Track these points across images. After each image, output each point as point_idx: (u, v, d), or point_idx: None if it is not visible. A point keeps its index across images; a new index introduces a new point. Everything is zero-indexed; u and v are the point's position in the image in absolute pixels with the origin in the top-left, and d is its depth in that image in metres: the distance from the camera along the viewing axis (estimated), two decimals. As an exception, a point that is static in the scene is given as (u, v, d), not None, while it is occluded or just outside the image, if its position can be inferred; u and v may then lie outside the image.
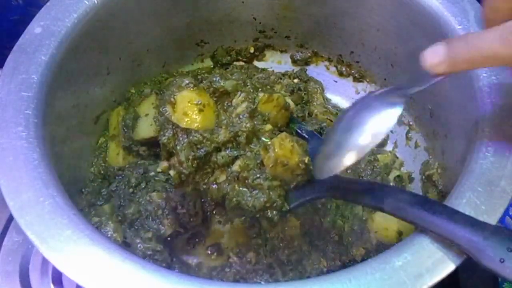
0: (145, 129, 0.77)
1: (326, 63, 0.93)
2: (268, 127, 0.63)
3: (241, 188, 0.60)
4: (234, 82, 0.63)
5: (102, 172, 0.80)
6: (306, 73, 0.92)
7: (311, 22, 0.87)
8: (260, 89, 0.65)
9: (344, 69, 0.92)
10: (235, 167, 0.60)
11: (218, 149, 0.60)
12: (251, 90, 0.63)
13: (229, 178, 0.60)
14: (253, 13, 0.88)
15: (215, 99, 0.63)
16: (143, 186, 0.76)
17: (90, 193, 0.77)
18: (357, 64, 0.90)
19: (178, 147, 0.59)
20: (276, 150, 0.58)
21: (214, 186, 0.61)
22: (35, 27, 0.66)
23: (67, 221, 0.52)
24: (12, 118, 0.59)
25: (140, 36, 0.81)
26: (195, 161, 0.59)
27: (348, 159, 0.51)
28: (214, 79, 0.63)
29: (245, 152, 0.61)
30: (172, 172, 0.60)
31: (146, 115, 0.77)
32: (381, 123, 0.50)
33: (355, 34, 0.85)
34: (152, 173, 0.78)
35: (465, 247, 0.48)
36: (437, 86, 0.74)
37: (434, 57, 0.49)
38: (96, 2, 0.70)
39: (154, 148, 0.80)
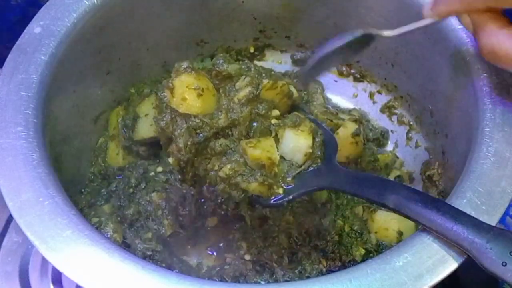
0: (145, 129, 0.76)
1: (326, 63, 0.93)
2: (275, 112, 0.62)
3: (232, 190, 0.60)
4: (237, 66, 0.62)
5: (102, 172, 0.79)
6: (306, 73, 0.92)
7: (311, 22, 0.87)
8: (264, 75, 0.63)
9: (344, 68, 0.92)
10: (222, 173, 0.59)
11: (217, 135, 0.60)
12: (256, 76, 0.62)
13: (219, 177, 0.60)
14: (253, 13, 0.88)
15: (217, 82, 0.62)
16: (143, 186, 0.76)
17: (90, 193, 0.77)
18: (357, 63, 0.90)
19: (176, 133, 0.58)
20: (249, 152, 0.58)
21: (213, 173, 0.60)
22: (35, 27, 0.66)
23: (67, 221, 0.52)
24: (12, 118, 0.59)
25: (140, 36, 0.81)
26: (194, 146, 0.58)
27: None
28: (218, 61, 0.62)
29: (238, 144, 0.60)
30: (171, 160, 0.59)
31: (146, 115, 0.77)
32: None
33: (355, 34, 0.85)
34: (152, 173, 0.78)
35: (468, 248, 0.48)
36: (437, 86, 0.75)
37: None
38: (96, 2, 0.70)
39: (154, 148, 0.80)
